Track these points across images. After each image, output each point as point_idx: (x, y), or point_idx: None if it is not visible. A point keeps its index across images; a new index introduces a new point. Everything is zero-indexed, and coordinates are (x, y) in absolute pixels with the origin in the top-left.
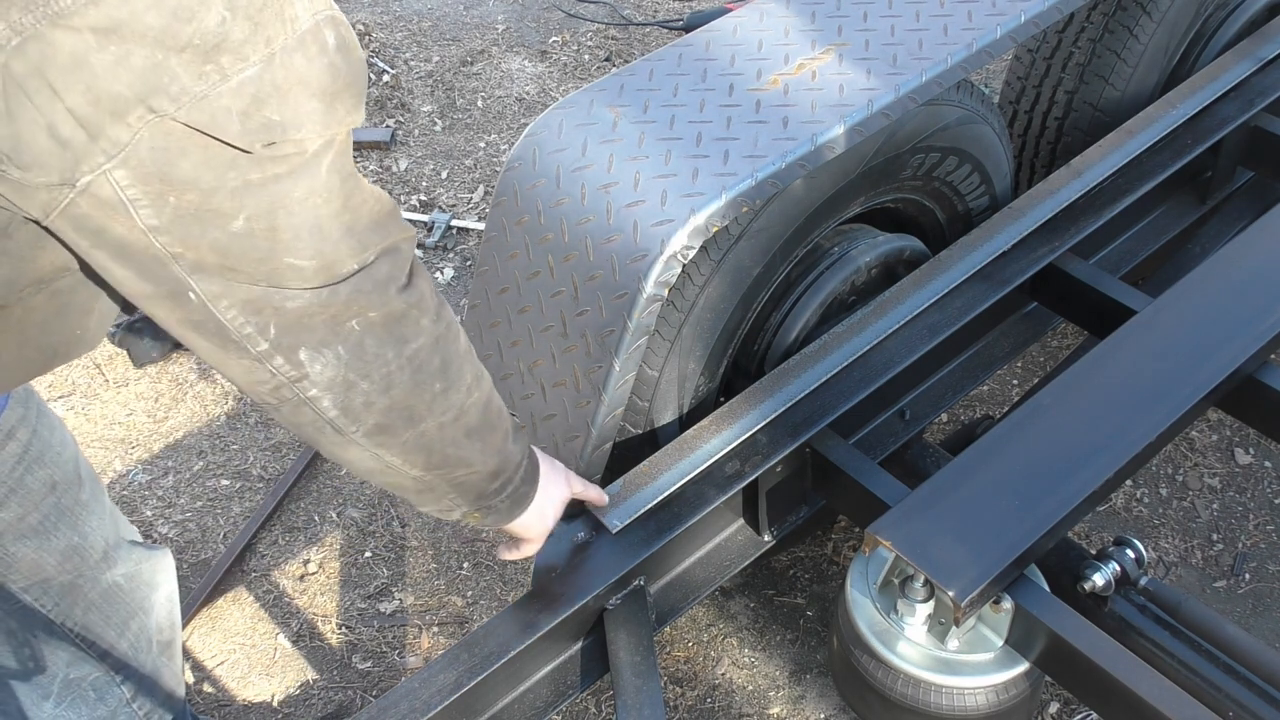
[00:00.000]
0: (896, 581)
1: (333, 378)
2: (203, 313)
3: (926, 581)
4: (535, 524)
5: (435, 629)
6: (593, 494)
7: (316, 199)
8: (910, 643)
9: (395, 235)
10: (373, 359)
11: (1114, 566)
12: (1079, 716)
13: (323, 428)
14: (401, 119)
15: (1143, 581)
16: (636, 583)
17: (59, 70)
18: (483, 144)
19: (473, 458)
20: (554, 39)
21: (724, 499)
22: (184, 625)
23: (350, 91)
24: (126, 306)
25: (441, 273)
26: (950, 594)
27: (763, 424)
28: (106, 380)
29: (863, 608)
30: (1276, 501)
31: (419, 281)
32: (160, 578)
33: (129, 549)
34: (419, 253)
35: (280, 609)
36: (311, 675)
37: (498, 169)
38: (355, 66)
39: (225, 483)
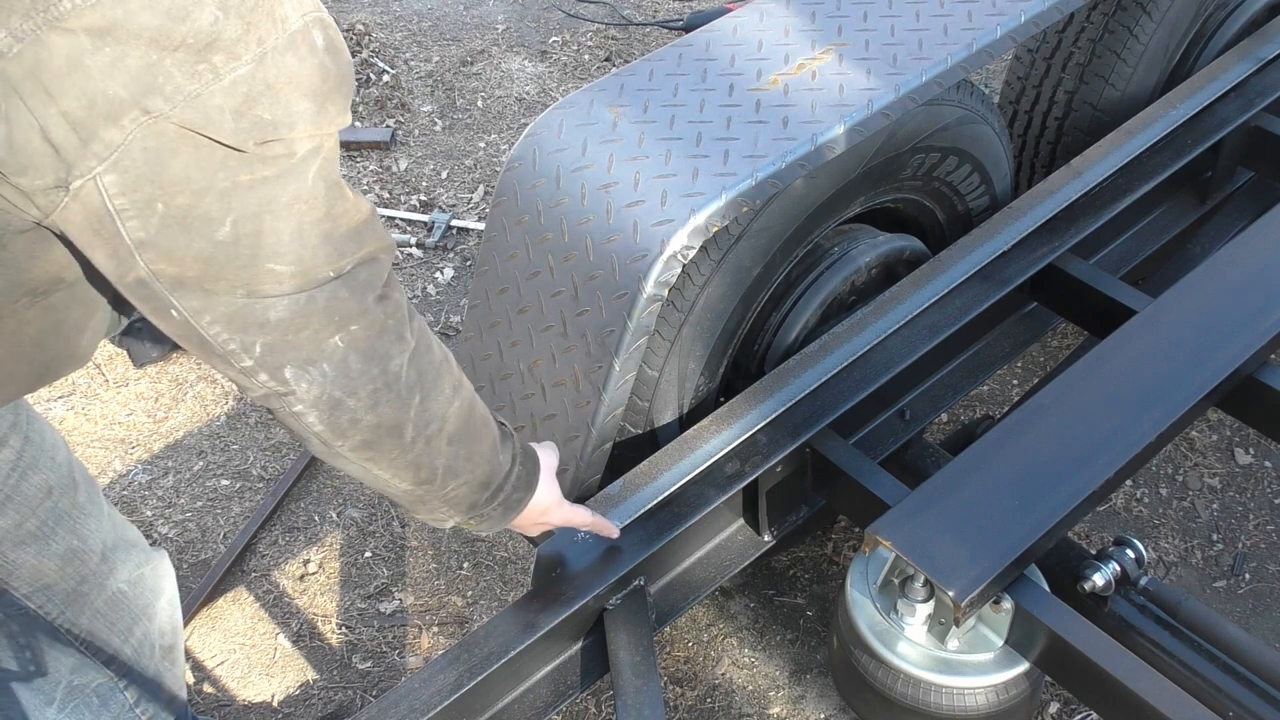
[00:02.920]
0: (896, 581)
1: (319, 395)
2: (185, 328)
3: (926, 581)
4: (532, 527)
5: (435, 629)
6: (582, 519)
7: (301, 205)
8: (910, 643)
9: (372, 244)
10: (358, 375)
11: (1114, 566)
12: (1079, 716)
13: (309, 438)
14: (401, 119)
15: (1143, 581)
16: (636, 583)
17: (54, 73)
18: (483, 144)
19: (460, 468)
20: (554, 39)
21: (724, 499)
22: (184, 625)
23: (340, 92)
24: (119, 305)
25: (441, 273)
26: (950, 594)
27: (763, 424)
28: (106, 380)
29: (863, 608)
30: (1276, 501)
31: (394, 293)
32: (163, 583)
33: (128, 550)
34: (418, 253)
35: (280, 609)
36: (311, 675)
37: (498, 169)
38: (344, 68)
39: (225, 483)
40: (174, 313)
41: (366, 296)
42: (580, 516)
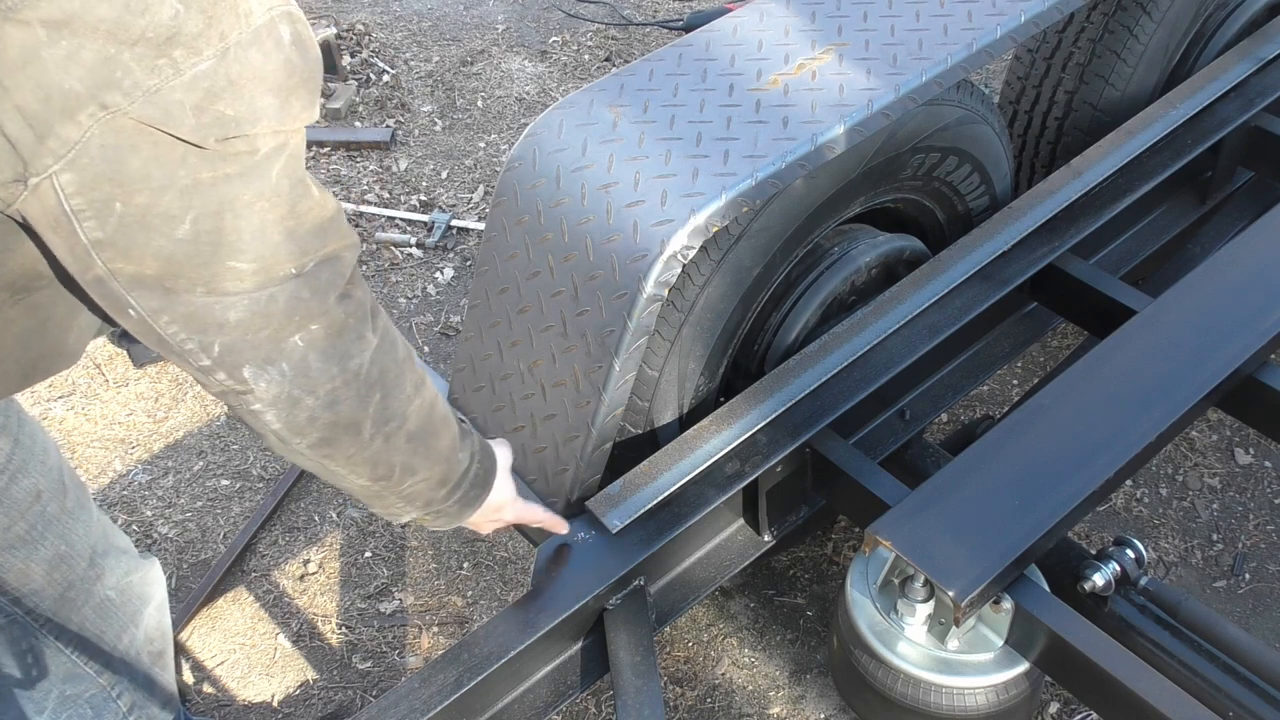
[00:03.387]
0: (896, 581)
1: (277, 395)
2: (143, 326)
3: (926, 581)
4: (486, 524)
5: (435, 629)
6: (534, 515)
7: (264, 203)
8: (910, 643)
9: (335, 242)
10: (318, 375)
11: (1114, 566)
12: (1079, 717)
13: (266, 435)
14: (401, 119)
15: (1143, 581)
16: (636, 583)
17: (8, 66)
18: (483, 144)
19: (418, 465)
20: (554, 39)
21: (724, 499)
22: (184, 625)
23: (306, 88)
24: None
25: (441, 273)
26: (950, 594)
27: (763, 424)
28: (106, 380)
29: (863, 608)
30: (1276, 501)
31: (357, 291)
32: (151, 590)
33: (117, 557)
34: (418, 253)
35: (280, 609)
36: (311, 675)
37: (498, 169)
38: (311, 63)
39: (225, 483)
40: (131, 311)
41: (328, 296)
42: (533, 513)
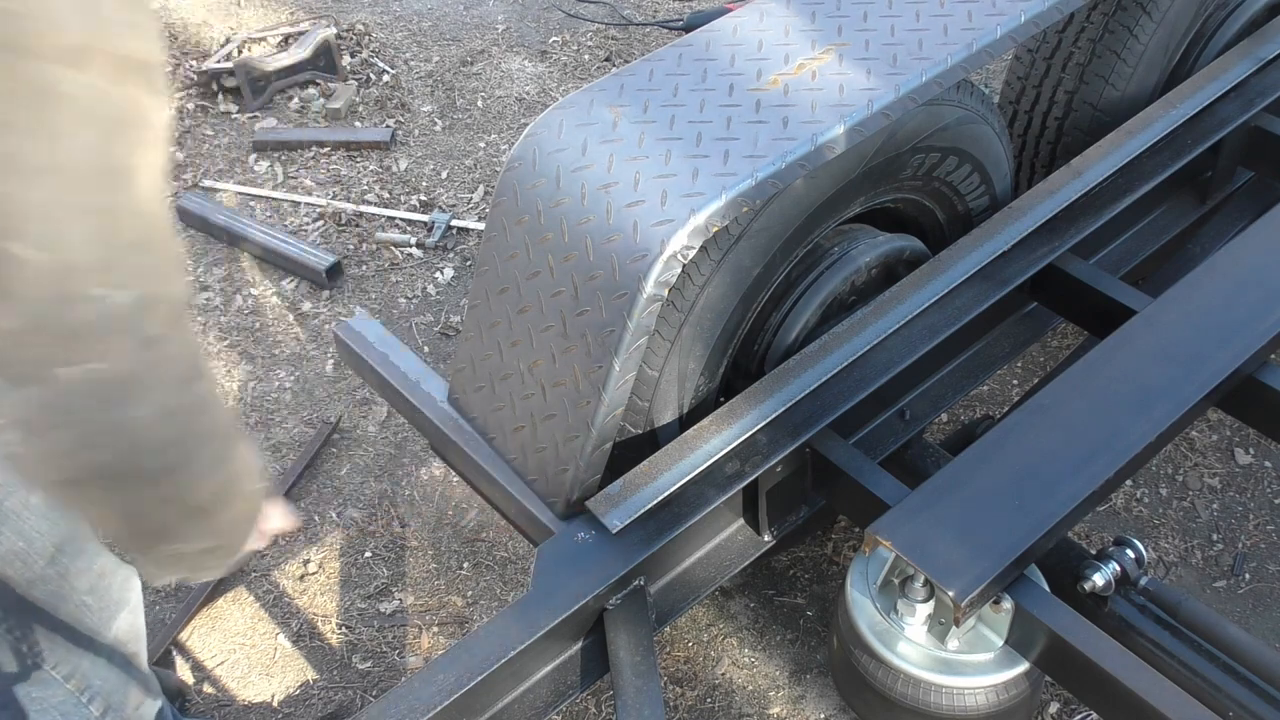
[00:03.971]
0: (896, 581)
1: (21, 418)
2: None
3: (926, 581)
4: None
5: (435, 629)
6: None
7: (63, 179)
8: (910, 643)
9: (159, 271)
10: (78, 412)
11: (1114, 566)
12: (1079, 716)
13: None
14: (401, 119)
15: (1143, 581)
16: (636, 583)
17: None
18: (483, 144)
19: (190, 535)
20: (554, 39)
21: (724, 499)
22: (184, 625)
23: None
24: None
25: (441, 273)
26: (950, 594)
27: (763, 424)
28: None
29: (863, 608)
30: (1276, 501)
31: (169, 347)
32: (128, 595)
33: (90, 559)
34: (418, 253)
35: (280, 609)
36: (311, 675)
37: (498, 169)
38: None
39: None
40: None
41: (127, 339)
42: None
